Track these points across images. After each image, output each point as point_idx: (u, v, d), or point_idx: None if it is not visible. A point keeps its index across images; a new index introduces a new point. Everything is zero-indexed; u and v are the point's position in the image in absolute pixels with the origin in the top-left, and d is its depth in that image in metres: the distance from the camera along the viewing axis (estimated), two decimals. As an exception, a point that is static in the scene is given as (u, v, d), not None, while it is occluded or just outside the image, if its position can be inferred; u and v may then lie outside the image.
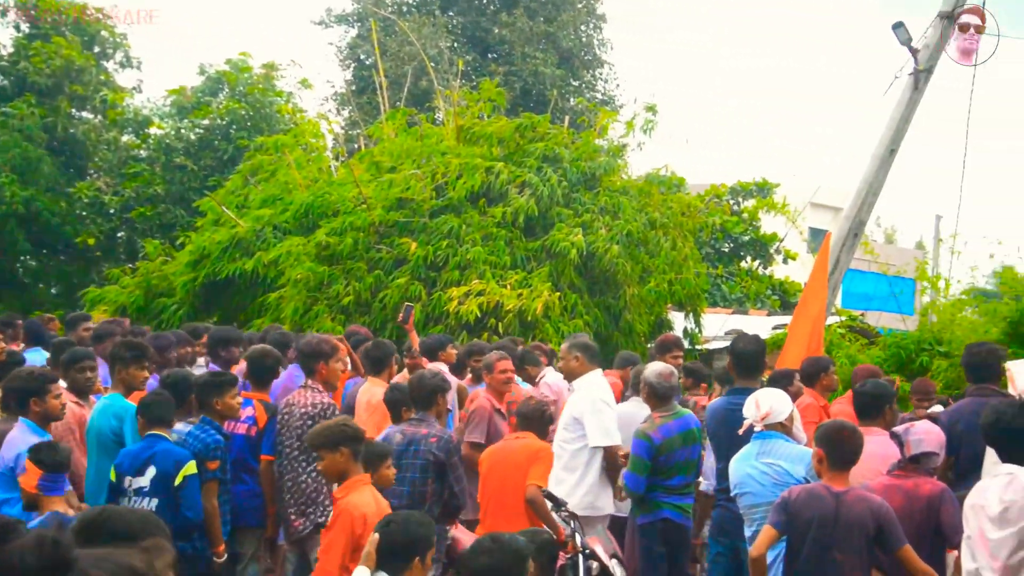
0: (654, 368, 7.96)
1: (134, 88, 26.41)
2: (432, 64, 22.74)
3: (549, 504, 7.36)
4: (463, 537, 7.32)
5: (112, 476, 6.80)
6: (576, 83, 32.86)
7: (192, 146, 23.52)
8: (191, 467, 6.73)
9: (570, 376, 8.73)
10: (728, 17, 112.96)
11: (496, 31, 32.01)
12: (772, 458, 6.63)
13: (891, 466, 6.30)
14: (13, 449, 6.54)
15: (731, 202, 26.53)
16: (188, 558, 6.69)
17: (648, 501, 7.72)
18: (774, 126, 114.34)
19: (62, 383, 7.47)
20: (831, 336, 14.39)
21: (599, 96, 32.79)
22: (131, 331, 10.78)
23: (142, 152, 24.45)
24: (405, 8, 32.41)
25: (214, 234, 15.78)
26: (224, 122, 23.67)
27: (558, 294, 13.46)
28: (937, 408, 8.52)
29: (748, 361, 7.68)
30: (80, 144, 24.13)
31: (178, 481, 6.66)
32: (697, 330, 16.66)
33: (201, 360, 9.91)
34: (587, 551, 7.29)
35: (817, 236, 27.46)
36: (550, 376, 9.86)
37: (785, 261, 26.21)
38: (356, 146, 19.81)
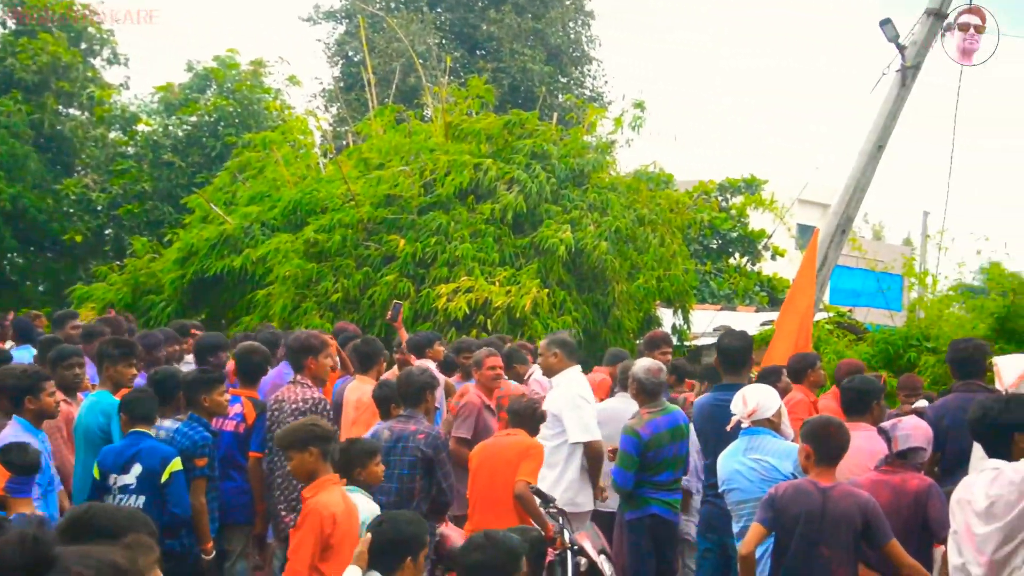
0: (642, 364, 7.97)
1: (121, 85, 26.36)
2: (420, 61, 22.70)
3: (537, 500, 7.36)
4: (452, 534, 7.33)
5: (96, 473, 6.77)
6: (564, 80, 32.87)
7: (180, 143, 23.47)
8: (176, 463, 6.71)
9: (549, 373, 8.74)
10: (717, 14, 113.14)
11: (484, 28, 32.00)
12: (760, 454, 6.65)
13: (879, 462, 6.32)
14: (5, 448, 6.51)
15: (719, 198, 26.57)
16: (176, 555, 6.68)
17: (636, 497, 7.74)
18: (762, 123, 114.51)
19: (50, 380, 7.44)
20: (819, 332, 14.41)
21: (587, 93, 32.81)
22: (119, 322, 10.78)
23: (129, 149, 24.39)
24: (393, 5, 32.37)
25: (202, 231, 15.75)
26: (212, 119, 23.62)
27: (546, 291, 13.47)
28: (922, 403, 8.54)
29: (735, 357, 7.69)
30: (67, 141, 24.05)
31: (164, 478, 6.64)
32: (685, 326, 16.69)
33: (189, 357, 9.89)
34: (575, 547, 7.30)
35: (805, 232, 27.50)
36: (538, 373, 9.86)
37: (773, 257, 26.27)
38: (344, 143, 19.79)
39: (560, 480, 8.10)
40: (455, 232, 14.01)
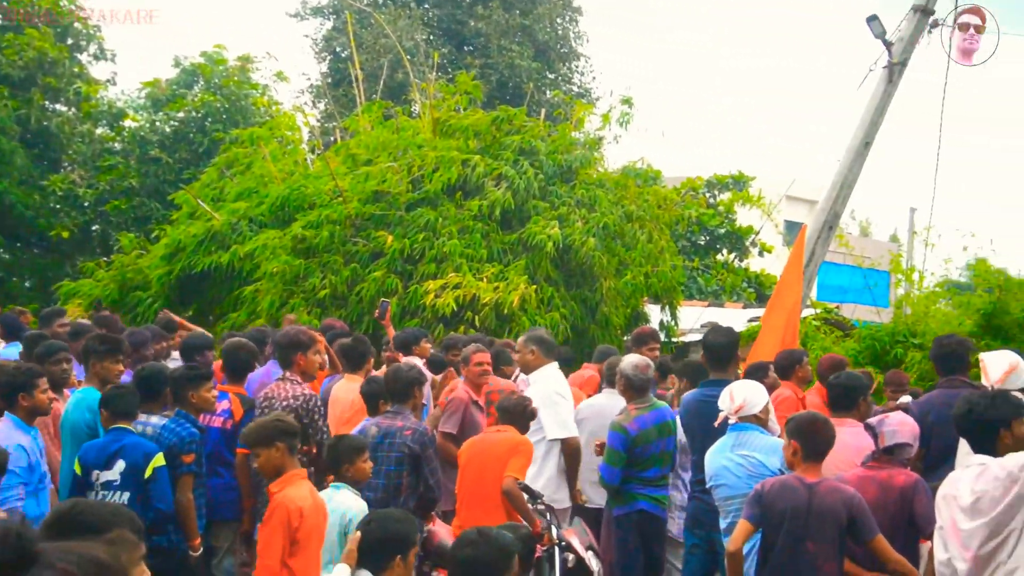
0: (630, 360, 7.98)
1: (108, 80, 26.23)
2: (408, 57, 22.69)
3: (525, 496, 7.37)
4: (439, 530, 7.33)
5: (77, 469, 6.73)
6: (552, 76, 32.89)
7: (167, 139, 23.39)
8: (159, 459, 6.69)
9: (526, 369, 8.75)
10: (707, 11, 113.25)
11: (472, 24, 31.98)
12: (747, 450, 6.66)
13: (865, 457, 6.34)
14: (-2, 445, 6.47)
15: (707, 195, 26.64)
16: (163, 551, 6.66)
17: (624, 493, 7.74)
18: (750, 119, 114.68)
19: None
20: (806, 328, 14.45)
21: (575, 89, 32.82)
22: (115, 320, 10.75)
23: (116, 145, 24.30)
24: (381, 1, 32.32)
25: (189, 227, 15.72)
26: (199, 115, 23.54)
27: (534, 287, 13.47)
28: (906, 399, 8.56)
29: (720, 353, 7.70)
30: (54, 137, 23.95)
31: (148, 474, 6.62)
32: (673, 323, 16.71)
33: (176, 353, 9.86)
34: (563, 543, 7.30)
35: (792, 229, 27.54)
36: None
37: (761, 254, 26.34)
38: (332, 139, 19.76)
39: (538, 477, 8.11)
40: (443, 228, 14.01)
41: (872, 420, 6.39)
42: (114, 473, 6.61)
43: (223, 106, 23.41)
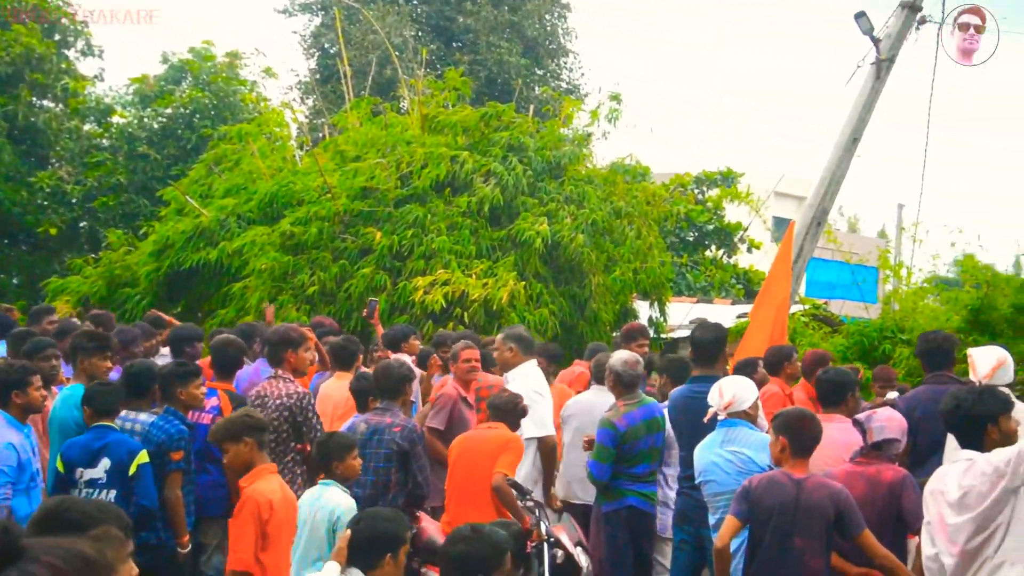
0: (620, 356, 7.99)
1: (96, 76, 26.10)
2: (396, 53, 22.65)
3: (514, 493, 7.38)
4: (428, 526, 7.34)
5: (59, 466, 6.70)
6: (541, 72, 32.84)
7: (155, 135, 23.31)
8: (143, 456, 6.67)
9: (505, 367, 8.75)
10: (694, 8, 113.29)
11: (460, 20, 31.95)
12: (737, 446, 6.67)
13: (853, 453, 6.36)
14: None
15: (696, 191, 26.65)
16: (151, 548, 6.66)
17: (613, 489, 7.75)
18: (738, 116, 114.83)
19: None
20: (795, 324, 14.49)
21: (564, 85, 32.79)
22: (110, 318, 10.71)
23: (104, 141, 24.22)
24: (369, -4, 32.28)
25: (178, 224, 15.67)
26: (187, 111, 23.47)
27: (523, 283, 13.46)
28: (893, 395, 8.59)
29: (707, 349, 7.70)
30: (41, 133, 23.84)
31: (132, 471, 6.61)
32: (662, 319, 16.71)
33: (165, 350, 9.84)
34: (552, 539, 7.32)
35: (781, 225, 27.62)
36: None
37: (749, 250, 26.37)
38: (320, 135, 19.74)
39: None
40: (432, 225, 13.99)
41: (860, 416, 6.40)
42: (99, 471, 6.59)
43: (211, 102, 23.35)
